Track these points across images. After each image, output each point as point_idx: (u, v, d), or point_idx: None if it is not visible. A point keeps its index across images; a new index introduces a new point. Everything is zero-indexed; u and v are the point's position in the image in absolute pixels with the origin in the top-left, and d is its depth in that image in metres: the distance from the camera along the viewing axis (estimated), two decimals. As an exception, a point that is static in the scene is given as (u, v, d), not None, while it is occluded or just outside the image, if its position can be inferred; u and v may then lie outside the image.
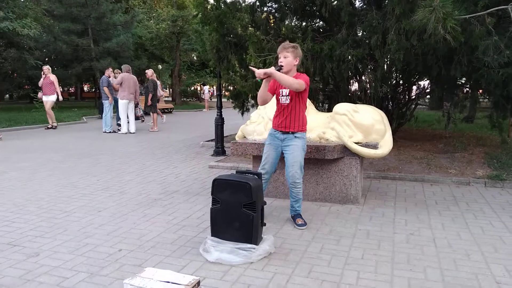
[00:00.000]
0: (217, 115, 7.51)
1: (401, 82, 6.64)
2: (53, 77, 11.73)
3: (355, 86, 6.46)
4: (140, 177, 5.62)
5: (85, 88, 41.59)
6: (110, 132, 11.17)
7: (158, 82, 12.04)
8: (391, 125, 7.29)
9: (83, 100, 36.31)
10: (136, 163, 6.65)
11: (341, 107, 4.33)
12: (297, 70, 3.51)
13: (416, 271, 2.67)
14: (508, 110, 5.58)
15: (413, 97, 7.22)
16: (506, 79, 5.05)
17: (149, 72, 11.82)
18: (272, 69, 3.24)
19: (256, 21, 6.04)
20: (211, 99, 25.52)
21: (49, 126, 12.28)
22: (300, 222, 3.55)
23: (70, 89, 38.23)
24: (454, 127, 7.80)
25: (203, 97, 23.15)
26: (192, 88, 40.60)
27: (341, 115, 4.26)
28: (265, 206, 3.05)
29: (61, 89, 13.60)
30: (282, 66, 3.32)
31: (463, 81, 5.77)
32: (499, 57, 4.78)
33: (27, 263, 2.81)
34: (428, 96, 7.16)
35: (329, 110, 6.86)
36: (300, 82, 3.27)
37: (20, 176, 5.68)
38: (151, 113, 11.91)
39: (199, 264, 2.77)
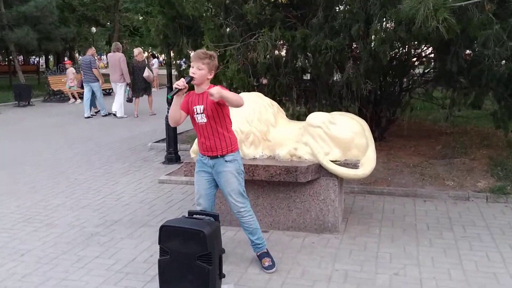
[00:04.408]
0: (168, 112, 7.62)
1: (390, 71, 6.93)
2: None
3: (337, 77, 6.70)
4: (71, 199, 5.72)
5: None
6: (105, 115, 13.12)
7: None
8: (380, 121, 7.71)
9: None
10: (67, 177, 6.72)
11: (315, 118, 4.55)
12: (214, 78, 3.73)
13: (397, 328, 2.96)
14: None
15: (406, 87, 7.54)
16: (509, 75, 5.40)
17: (135, 51, 12.93)
18: (216, 89, 3.33)
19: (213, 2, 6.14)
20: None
21: None
22: (267, 264, 3.77)
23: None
24: (455, 120, 8.19)
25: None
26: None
27: (316, 128, 4.49)
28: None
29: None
30: (194, 77, 3.43)
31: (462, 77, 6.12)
32: (501, 50, 5.09)
33: None
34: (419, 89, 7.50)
35: (307, 109, 7.12)
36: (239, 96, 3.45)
37: None
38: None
39: (146, 329, 2.97)
